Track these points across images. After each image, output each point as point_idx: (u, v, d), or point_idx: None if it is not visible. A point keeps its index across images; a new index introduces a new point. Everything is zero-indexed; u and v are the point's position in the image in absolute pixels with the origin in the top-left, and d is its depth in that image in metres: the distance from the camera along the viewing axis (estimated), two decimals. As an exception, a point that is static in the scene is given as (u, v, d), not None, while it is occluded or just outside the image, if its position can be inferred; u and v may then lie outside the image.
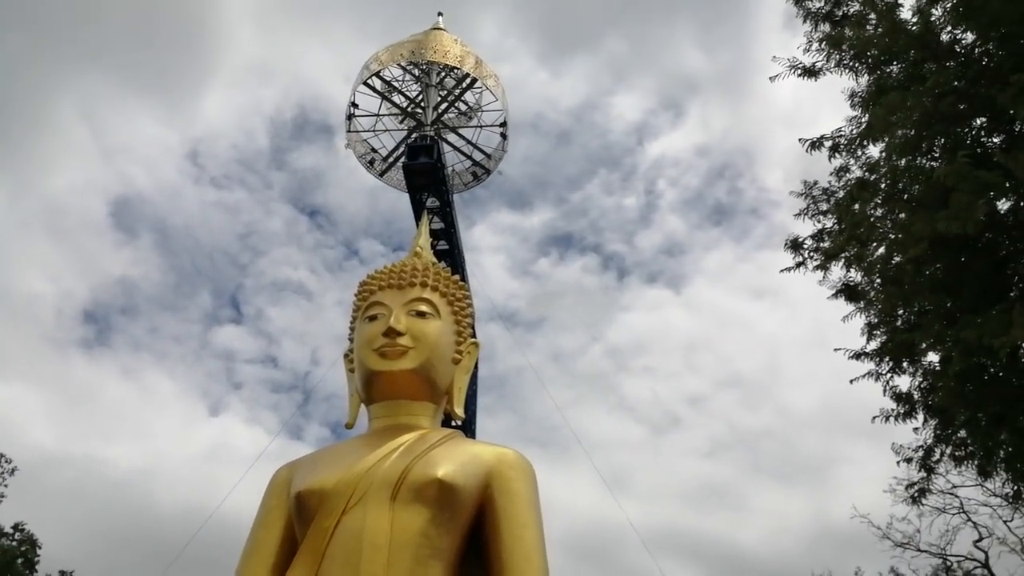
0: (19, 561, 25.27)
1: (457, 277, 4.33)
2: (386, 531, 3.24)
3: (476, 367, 4.43)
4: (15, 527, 25.85)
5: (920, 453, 11.70)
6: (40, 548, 25.88)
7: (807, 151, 11.26)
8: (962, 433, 10.74)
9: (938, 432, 11.13)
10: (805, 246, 11.86)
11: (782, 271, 12.03)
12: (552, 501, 3.72)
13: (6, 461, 26.33)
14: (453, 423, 5.21)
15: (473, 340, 4.23)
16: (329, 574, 3.17)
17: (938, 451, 11.48)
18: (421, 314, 3.93)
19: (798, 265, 11.90)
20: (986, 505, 20.89)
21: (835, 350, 11.53)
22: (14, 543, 25.58)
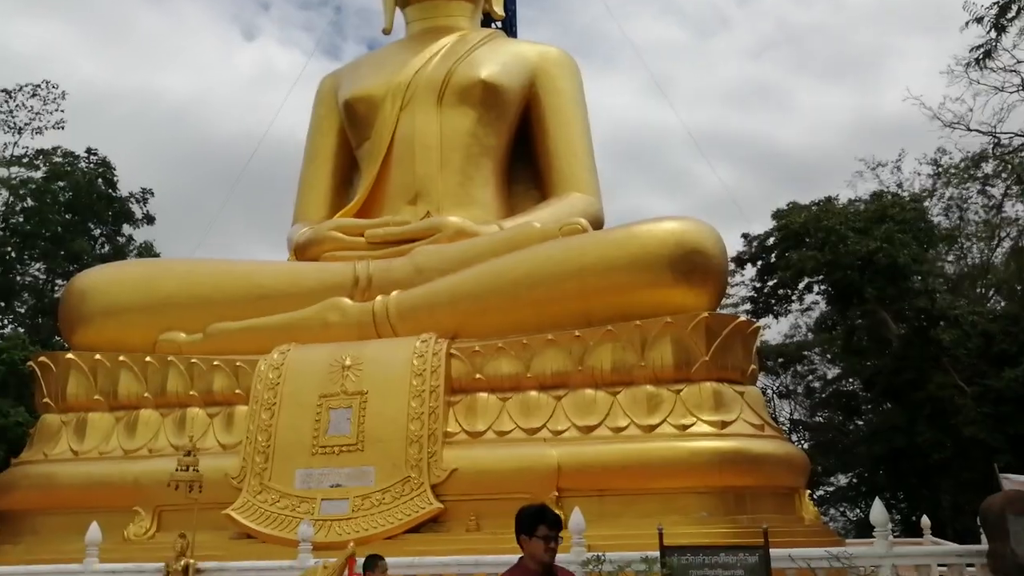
0: (99, 181, 27.25)
1: None
2: (436, 133, 3.36)
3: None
4: (88, 151, 27.34)
5: (994, 10, 11.11)
6: (115, 170, 27.65)
7: None
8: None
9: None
10: None
11: None
12: (596, 107, 3.74)
13: (53, 86, 26.84)
14: (493, 24, 5.05)
15: (508, -72, 3.88)
16: (390, 178, 3.38)
17: (1015, 7, 10.86)
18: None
19: None
20: (1049, 76, 20.09)
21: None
22: (92, 166, 27.31)
